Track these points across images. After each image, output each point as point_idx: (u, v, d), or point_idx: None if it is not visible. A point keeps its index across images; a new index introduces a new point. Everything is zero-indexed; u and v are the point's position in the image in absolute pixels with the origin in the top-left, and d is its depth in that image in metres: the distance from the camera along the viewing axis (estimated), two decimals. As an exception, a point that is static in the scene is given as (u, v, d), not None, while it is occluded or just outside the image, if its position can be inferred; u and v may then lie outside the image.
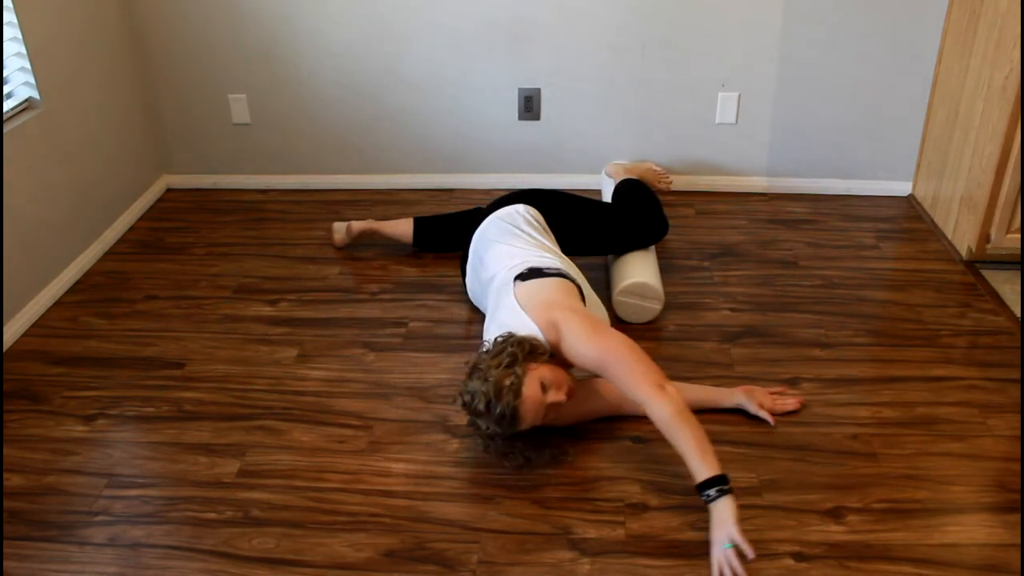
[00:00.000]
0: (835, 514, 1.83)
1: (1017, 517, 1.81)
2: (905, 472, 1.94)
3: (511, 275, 2.11)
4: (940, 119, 2.99)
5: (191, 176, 3.43)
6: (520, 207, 2.40)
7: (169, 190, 3.43)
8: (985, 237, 2.71)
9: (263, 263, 2.87)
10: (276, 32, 3.12)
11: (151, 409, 2.20)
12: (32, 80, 2.59)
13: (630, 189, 2.75)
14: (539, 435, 2.00)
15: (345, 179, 3.39)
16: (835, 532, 1.78)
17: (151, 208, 3.28)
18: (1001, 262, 2.74)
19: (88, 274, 2.83)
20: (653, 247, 2.63)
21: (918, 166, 3.19)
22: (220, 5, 3.08)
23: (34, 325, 2.56)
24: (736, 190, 3.29)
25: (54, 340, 2.50)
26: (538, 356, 1.88)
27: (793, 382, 2.23)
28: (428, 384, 2.26)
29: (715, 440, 2.02)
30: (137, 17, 3.12)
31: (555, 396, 1.86)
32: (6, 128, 2.46)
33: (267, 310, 2.61)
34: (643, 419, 2.08)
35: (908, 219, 3.08)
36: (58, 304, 2.67)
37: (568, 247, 2.42)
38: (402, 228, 2.88)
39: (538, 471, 1.96)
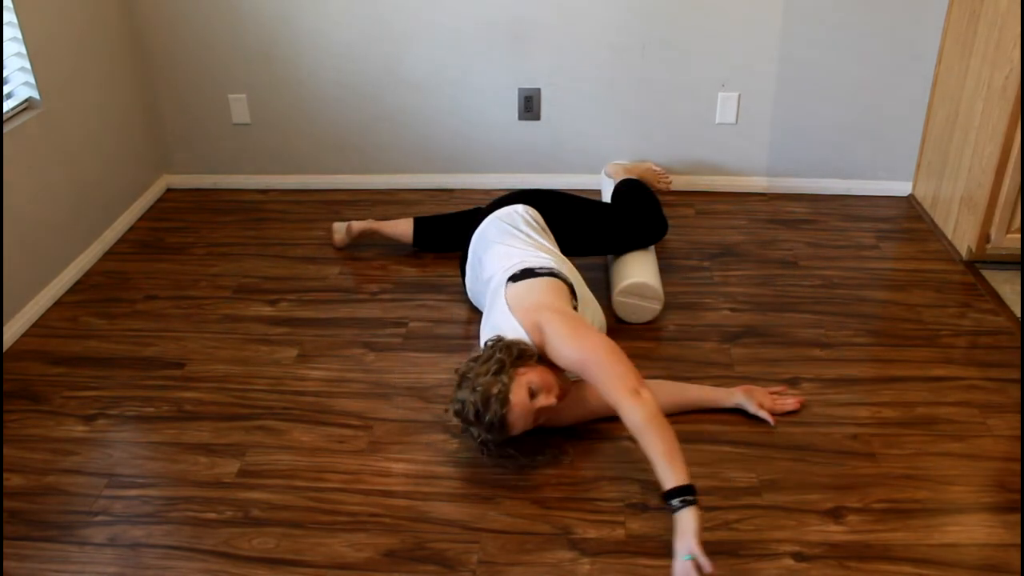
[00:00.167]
0: (835, 514, 1.83)
1: (1017, 517, 1.81)
2: (905, 472, 1.94)
3: (505, 276, 2.11)
4: (940, 119, 2.99)
5: (191, 176, 3.43)
6: (519, 207, 2.40)
7: (169, 190, 3.43)
8: (985, 237, 2.71)
9: (263, 263, 2.87)
10: (276, 32, 3.12)
11: (151, 409, 2.20)
12: (32, 80, 2.59)
13: (630, 189, 2.75)
14: (539, 436, 2.00)
15: (345, 179, 3.39)
16: (835, 532, 1.78)
17: (151, 208, 3.28)
18: (1001, 262, 2.74)
19: (88, 274, 2.83)
20: (653, 247, 2.63)
21: (918, 166, 3.19)
22: (220, 5, 3.08)
23: (34, 325, 2.56)
24: (736, 190, 3.29)
25: (54, 340, 2.50)
26: (526, 360, 1.88)
27: (793, 382, 2.23)
28: (428, 384, 2.26)
29: (715, 440, 2.03)
30: (137, 17, 3.12)
31: (544, 400, 1.86)
32: (6, 128, 2.46)
33: (267, 310, 2.61)
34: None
35: (908, 219, 3.08)
36: (58, 304, 2.67)
37: (568, 247, 2.41)
38: (402, 228, 2.88)
39: (538, 471, 1.96)
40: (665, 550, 1.74)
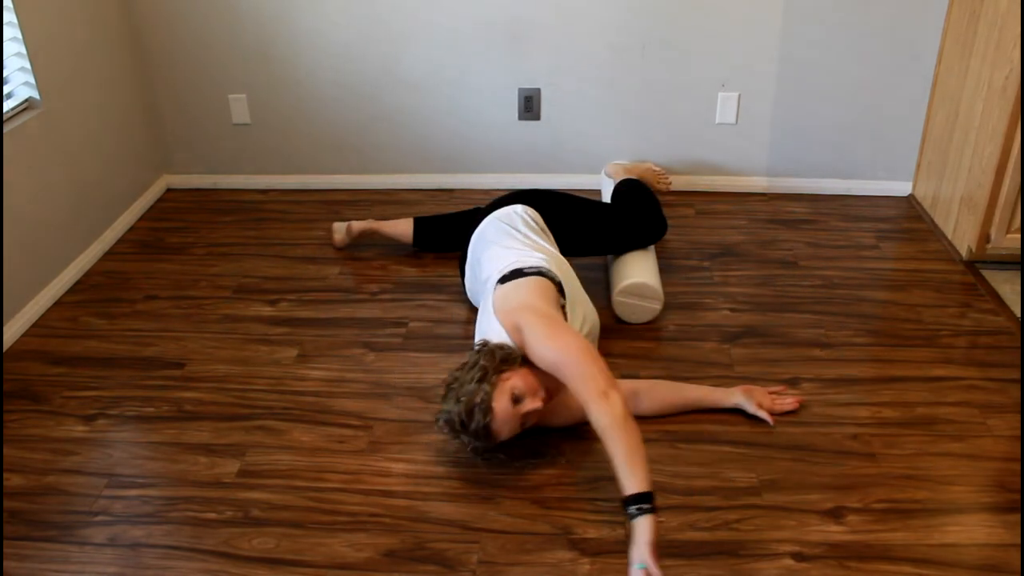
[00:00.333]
0: (835, 514, 1.83)
1: (1017, 517, 1.81)
2: (905, 472, 1.94)
3: (496, 278, 2.12)
4: (940, 119, 2.99)
5: (191, 176, 3.43)
6: (519, 207, 2.40)
7: (169, 190, 3.43)
8: (985, 237, 2.71)
9: (263, 263, 2.87)
10: (275, 32, 3.12)
11: (151, 409, 2.20)
12: (32, 80, 2.59)
13: (630, 189, 2.75)
14: (538, 437, 2.00)
15: (345, 179, 3.39)
16: (835, 532, 1.78)
17: (151, 208, 3.28)
18: (1001, 262, 2.74)
19: (88, 274, 2.83)
20: (652, 247, 2.63)
21: (918, 166, 3.19)
22: (219, 5, 3.08)
23: (34, 325, 2.56)
24: (736, 190, 3.29)
25: (54, 340, 2.50)
26: (510, 364, 1.88)
27: (793, 382, 2.23)
28: (428, 384, 2.26)
29: (715, 440, 2.03)
30: (137, 17, 3.12)
31: (529, 404, 1.86)
32: (6, 128, 2.46)
33: (267, 310, 2.61)
34: (642, 419, 2.08)
35: (908, 219, 3.08)
36: (58, 304, 2.67)
37: (567, 247, 2.42)
38: (402, 228, 2.88)
39: (538, 471, 1.96)
40: (665, 550, 1.74)
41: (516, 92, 3.18)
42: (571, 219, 2.48)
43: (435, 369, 2.32)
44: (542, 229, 2.39)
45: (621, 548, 1.75)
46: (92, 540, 1.81)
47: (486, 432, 1.84)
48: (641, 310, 2.47)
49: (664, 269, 2.69)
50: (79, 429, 2.14)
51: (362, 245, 2.95)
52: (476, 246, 2.37)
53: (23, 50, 2.54)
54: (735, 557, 1.73)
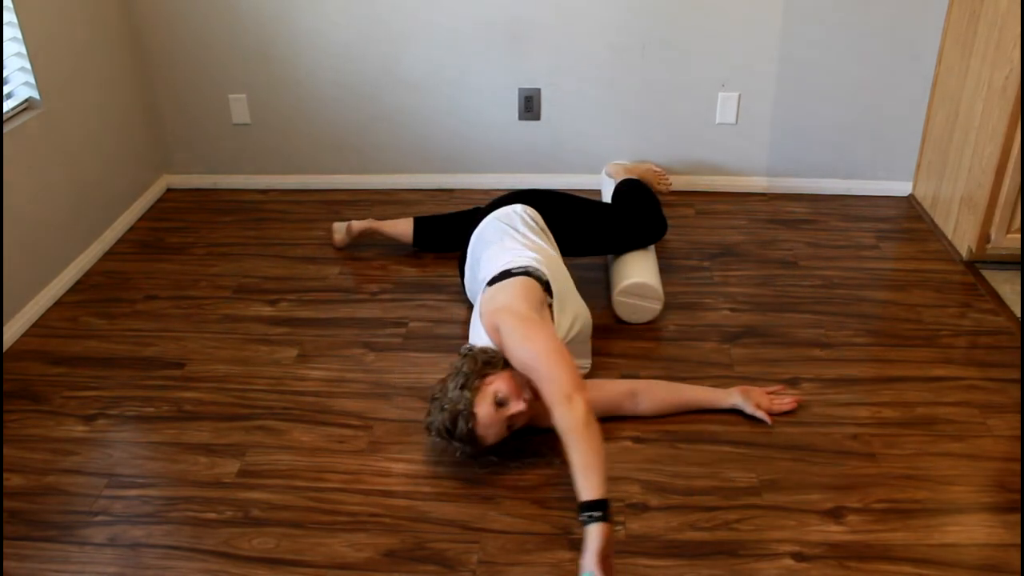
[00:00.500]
0: (835, 514, 1.83)
1: (1017, 517, 1.81)
2: (905, 472, 1.94)
3: (487, 279, 2.12)
4: (940, 119, 2.99)
5: (191, 176, 3.43)
6: (518, 207, 2.40)
7: (169, 190, 3.43)
8: (985, 237, 2.71)
9: (263, 263, 2.87)
10: (275, 32, 3.12)
11: (151, 409, 2.20)
12: (32, 80, 2.59)
13: (630, 189, 2.75)
14: (538, 437, 2.00)
15: (345, 179, 3.39)
16: (835, 532, 1.78)
17: (151, 208, 3.28)
18: (1001, 262, 2.74)
19: (88, 274, 2.83)
20: (652, 247, 2.63)
21: (918, 166, 3.19)
22: (219, 5, 3.08)
23: (34, 325, 2.56)
24: (736, 190, 3.29)
25: (54, 340, 2.50)
26: (493, 367, 1.89)
27: (793, 382, 2.23)
28: (428, 384, 2.26)
29: (715, 440, 2.03)
30: (137, 17, 3.12)
31: (513, 407, 1.87)
32: (6, 128, 2.46)
33: (267, 310, 2.61)
34: (642, 419, 2.09)
35: (908, 219, 3.08)
36: (58, 304, 2.67)
37: (567, 247, 2.42)
38: (402, 228, 2.88)
39: (538, 471, 1.96)
40: (665, 550, 1.74)
41: (516, 92, 3.18)
42: (571, 219, 2.48)
43: (435, 369, 2.31)
44: (542, 229, 2.39)
45: (621, 548, 1.75)
46: (92, 540, 1.81)
47: (472, 438, 1.86)
48: (641, 310, 2.47)
49: (664, 269, 2.69)
50: (79, 429, 2.14)
51: (362, 245, 2.95)
52: (476, 246, 2.37)
53: (23, 50, 2.55)
54: (735, 557, 1.73)
